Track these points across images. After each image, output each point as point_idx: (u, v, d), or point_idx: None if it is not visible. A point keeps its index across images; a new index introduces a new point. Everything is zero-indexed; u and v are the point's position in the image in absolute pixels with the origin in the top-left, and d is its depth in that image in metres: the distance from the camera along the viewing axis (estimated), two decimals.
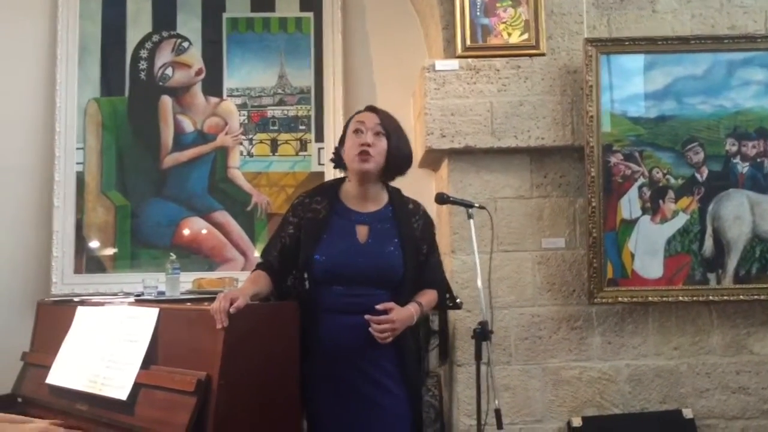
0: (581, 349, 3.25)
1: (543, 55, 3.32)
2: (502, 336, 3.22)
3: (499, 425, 2.57)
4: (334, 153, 2.61)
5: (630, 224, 3.21)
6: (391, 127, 2.49)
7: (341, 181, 2.58)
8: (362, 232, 2.45)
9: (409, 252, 2.44)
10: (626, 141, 3.22)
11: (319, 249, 2.41)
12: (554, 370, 3.24)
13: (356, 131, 2.46)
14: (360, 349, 2.34)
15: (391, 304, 2.34)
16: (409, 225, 2.48)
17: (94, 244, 3.74)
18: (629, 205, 3.21)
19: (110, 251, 3.74)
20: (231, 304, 2.17)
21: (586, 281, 3.22)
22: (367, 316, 2.30)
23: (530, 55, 3.31)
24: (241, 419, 2.18)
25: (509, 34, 3.34)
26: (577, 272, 3.28)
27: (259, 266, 2.55)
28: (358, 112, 2.55)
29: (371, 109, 2.56)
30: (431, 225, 2.59)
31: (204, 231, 3.76)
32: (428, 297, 2.51)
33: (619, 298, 3.19)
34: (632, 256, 3.20)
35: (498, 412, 2.57)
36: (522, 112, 3.26)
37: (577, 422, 3.14)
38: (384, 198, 2.53)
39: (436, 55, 3.54)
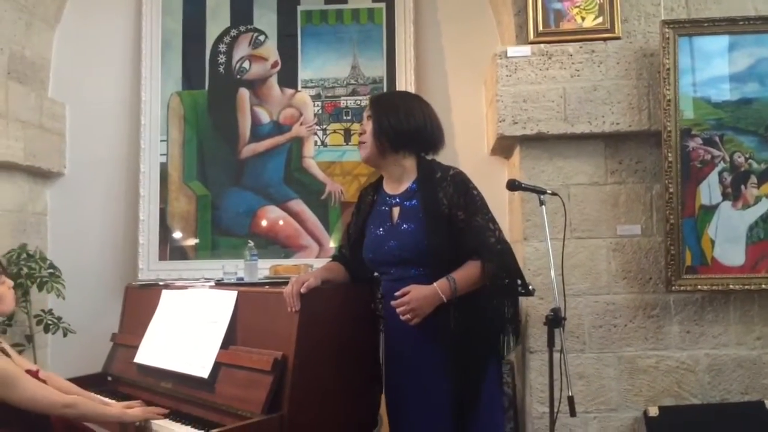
0: (658, 337, 3.18)
1: (618, 38, 3.25)
2: (576, 324, 3.19)
3: (572, 412, 2.56)
4: None
5: (710, 210, 3.12)
6: (377, 106, 2.47)
7: None
8: (395, 213, 2.45)
9: (432, 225, 2.32)
10: (706, 125, 3.12)
11: (366, 237, 2.49)
12: (630, 359, 3.19)
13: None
14: (406, 333, 2.34)
15: (408, 288, 2.28)
16: (433, 195, 2.35)
17: (177, 234, 3.90)
18: (709, 190, 3.12)
19: (192, 241, 3.89)
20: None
21: (663, 269, 3.15)
22: (391, 303, 2.31)
23: (604, 39, 3.25)
24: (316, 396, 2.26)
25: (583, 18, 3.29)
26: (654, 260, 3.21)
27: (333, 258, 2.66)
28: None
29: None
30: (463, 187, 2.37)
31: (281, 221, 3.86)
32: (466, 270, 2.30)
33: (699, 286, 3.11)
34: (712, 243, 3.11)
35: (571, 400, 2.56)
36: (596, 97, 3.21)
37: (653, 412, 3.08)
38: (414, 174, 2.46)
39: (508, 42, 3.52)
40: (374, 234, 2.47)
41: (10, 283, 2.59)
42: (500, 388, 2.51)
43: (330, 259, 2.74)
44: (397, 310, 2.27)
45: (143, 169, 3.90)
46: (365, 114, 2.52)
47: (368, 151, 2.45)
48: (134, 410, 2.53)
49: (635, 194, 3.25)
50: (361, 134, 2.49)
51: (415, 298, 2.26)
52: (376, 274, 2.54)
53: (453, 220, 2.34)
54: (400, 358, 2.41)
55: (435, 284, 2.28)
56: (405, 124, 2.41)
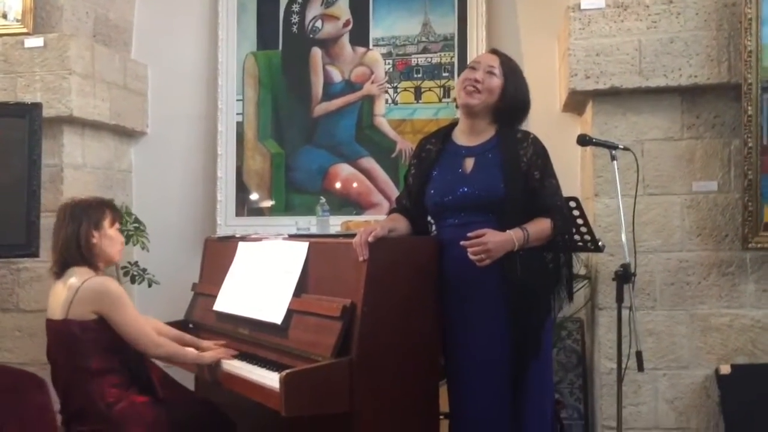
0: (733, 295, 3.11)
1: None
2: (647, 281, 3.15)
3: (640, 367, 2.57)
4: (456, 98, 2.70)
5: None
6: (509, 69, 2.55)
7: (457, 122, 2.68)
8: (468, 163, 2.53)
9: (511, 176, 2.44)
10: None
11: (431, 184, 2.55)
12: (703, 317, 3.13)
13: (471, 68, 2.56)
14: (469, 280, 2.41)
15: (484, 230, 2.34)
16: (514, 152, 2.48)
17: (254, 196, 4.02)
18: None
19: (268, 203, 4.02)
20: None
21: (740, 226, 3.06)
22: (462, 242, 2.34)
23: None
24: (383, 342, 2.34)
25: None
26: (731, 216, 3.13)
27: (392, 210, 2.74)
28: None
29: (493, 50, 2.64)
30: (543, 151, 2.52)
31: (354, 183, 3.92)
32: (538, 224, 2.42)
33: None
34: None
35: (639, 354, 2.56)
36: (673, 49, 3.12)
37: (725, 370, 3.03)
38: (492, 131, 2.56)
39: None
40: (443, 179, 2.54)
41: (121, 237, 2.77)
42: (551, 341, 2.61)
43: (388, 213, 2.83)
44: (471, 250, 2.32)
45: (220, 128, 4.03)
46: (486, 67, 2.52)
47: (480, 101, 2.50)
48: (208, 353, 2.70)
49: (712, 149, 3.16)
50: (476, 81, 2.50)
51: (492, 240, 2.33)
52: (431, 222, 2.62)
53: (529, 178, 2.47)
54: (459, 306, 2.47)
55: (510, 232, 2.37)
56: (522, 96, 2.57)
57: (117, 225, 2.72)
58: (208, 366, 2.68)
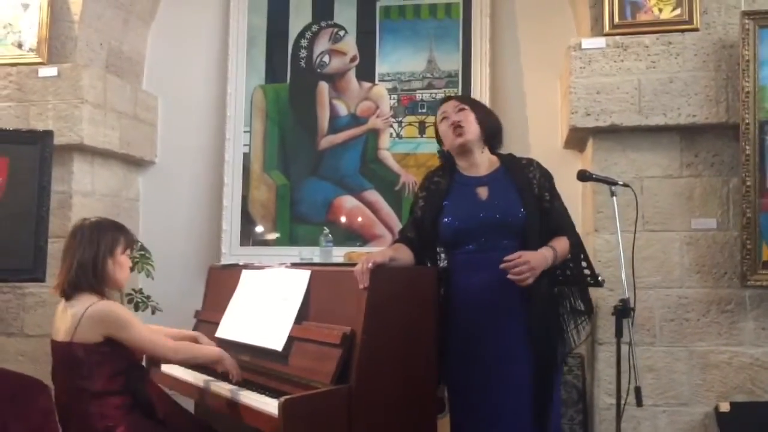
0: (732, 333, 3.13)
1: (696, 30, 3.21)
2: (647, 317, 3.17)
3: (639, 402, 2.57)
4: (439, 152, 2.81)
5: None
6: (468, 101, 2.75)
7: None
8: (482, 192, 2.61)
9: (527, 197, 2.55)
10: None
11: (445, 213, 2.61)
12: (702, 354, 3.14)
13: (443, 119, 2.68)
14: (484, 305, 2.47)
15: (519, 252, 2.41)
16: (524, 176, 2.61)
17: (259, 229, 4.08)
18: None
19: (273, 236, 4.07)
20: None
21: (738, 263, 3.09)
22: (502, 265, 2.39)
23: (682, 31, 3.21)
24: (382, 370, 2.35)
25: (660, 10, 3.26)
26: (730, 254, 3.15)
27: (396, 241, 2.78)
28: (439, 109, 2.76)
29: (446, 98, 2.82)
30: (548, 174, 2.66)
31: (359, 218, 3.97)
32: (560, 242, 2.54)
33: None
34: None
35: (638, 390, 2.56)
36: (672, 89, 3.18)
37: (724, 407, 3.03)
38: (496, 162, 2.68)
39: (584, 34, 3.52)
40: (459, 207, 2.60)
41: (129, 263, 2.74)
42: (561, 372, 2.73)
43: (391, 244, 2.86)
44: (514, 270, 2.37)
45: (227, 158, 4.10)
46: (454, 109, 2.66)
47: (471, 136, 2.62)
48: (227, 357, 2.65)
49: (711, 187, 3.21)
50: (457, 122, 2.63)
51: (533, 259, 2.40)
52: (441, 255, 2.66)
53: (540, 200, 2.59)
54: (476, 334, 2.50)
55: (542, 250, 2.47)
56: (495, 118, 2.76)
57: (128, 251, 2.70)
58: (208, 392, 2.69)
